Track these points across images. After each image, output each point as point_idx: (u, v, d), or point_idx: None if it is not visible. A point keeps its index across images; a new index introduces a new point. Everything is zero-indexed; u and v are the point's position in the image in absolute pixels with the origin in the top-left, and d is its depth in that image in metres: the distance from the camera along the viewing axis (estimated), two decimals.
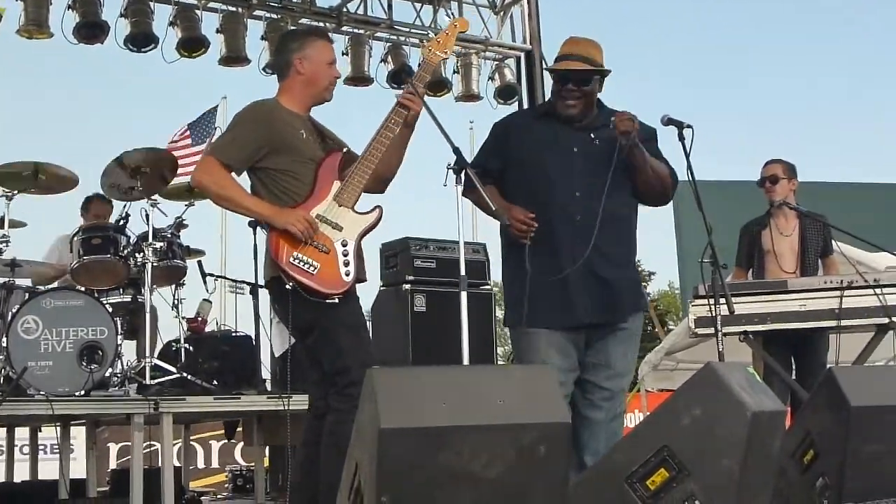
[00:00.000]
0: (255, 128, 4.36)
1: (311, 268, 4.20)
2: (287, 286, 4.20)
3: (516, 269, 4.29)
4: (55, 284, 6.72)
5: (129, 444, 5.71)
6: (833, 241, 6.64)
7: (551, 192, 4.33)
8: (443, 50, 4.62)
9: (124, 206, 6.52)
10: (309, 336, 4.36)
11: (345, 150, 4.52)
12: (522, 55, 10.01)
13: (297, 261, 4.19)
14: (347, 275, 4.25)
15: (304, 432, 4.48)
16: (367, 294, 7.59)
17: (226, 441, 12.99)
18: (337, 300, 4.21)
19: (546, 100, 4.72)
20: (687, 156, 4.48)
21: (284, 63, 4.52)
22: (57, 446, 6.24)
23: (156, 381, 5.96)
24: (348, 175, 4.36)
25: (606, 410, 4.35)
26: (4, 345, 5.61)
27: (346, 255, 4.27)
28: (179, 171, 6.82)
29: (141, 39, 8.28)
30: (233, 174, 4.35)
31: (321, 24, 9.14)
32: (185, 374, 6.08)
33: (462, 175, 4.13)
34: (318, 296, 4.18)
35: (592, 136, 4.42)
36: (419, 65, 4.56)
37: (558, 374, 4.19)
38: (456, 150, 4.12)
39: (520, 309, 4.25)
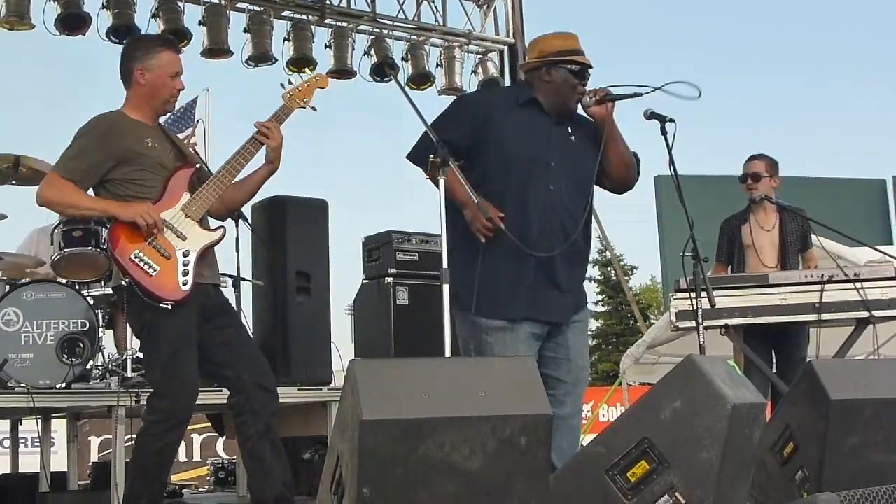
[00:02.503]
0: (96, 142, 4.34)
1: (151, 269, 4.21)
2: (123, 282, 4.23)
3: (492, 260, 4.28)
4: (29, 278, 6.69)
5: (111, 437, 5.69)
6: (813, 235, 6.67)
7: (524, 183, 4.33)
8: (302, 99, 4.61)
9: None
10: (139, 336, 4.47)
11: (198, 165, 4.55)
12: (505, 48, 10.03)
13: (137, 259, 4.21)
14: (185, 284, 4.25)
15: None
16: (350, 287, 7.60)
17: (208, 434, 12.99)
18: (170, 306, 4.21)
19: (514, 85, 4.71)
20: (669, 150, 4.49)
21: (127, 72, 4.49)
22: (38, 439, 6.22)
23: (137, 373, 5.94)
24: (199, 190, 4.40)
25: (570, 405, 4.38)
26: None
27: (185, 266, 4.28)
28: None
29: (123, 31, 8.24)
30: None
31: (304, 18, 9.13)
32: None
33: (443, 168, 4.11)
34: (153, 298, 4.19)
35: (570, 130, 4.46)
36: (279, 108, 4.58)
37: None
38: (439, 143, 4.11)
39: (503, 301, 4.27)
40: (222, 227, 4.53)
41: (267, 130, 4.47)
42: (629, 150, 4.52)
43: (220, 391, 6.05)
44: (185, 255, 4.29)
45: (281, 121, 4.55)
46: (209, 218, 4.53)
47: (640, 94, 4.37)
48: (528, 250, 4.22)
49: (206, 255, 4.43)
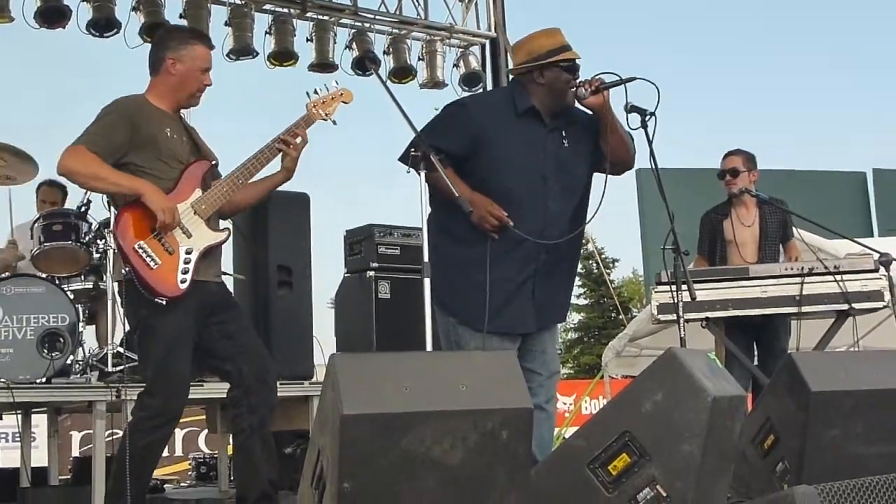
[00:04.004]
0: (121, 122, 4.29)
1: (153, 262, 4.19)
2: (123, 270, 4.21)
3: (480, 269, 4.30)
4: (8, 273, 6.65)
5: (92, 431, 5.67)
6: (794, 228, 6.70)
7: (523, 201, 4.35)
8: (325, 111, 4.57)
9: (85, 192, 6.46)
10: (135, 332, 4.43)
11: (213, 162, 4.49)
12: (487, 42, 10.01)
13: (140, 249, 4.18)
14: (183, 282, 4.23)
15: None
16: (332, 281, 7.59)
17: (190, 429, 12.95)
18: (164, 302, 4.18)
19: (511, 87, 4.68)
20: (650, 143, 4.49)
21: (158, 59, 4.45)
22: (18, 434, 6.19)
23: (118, 368, 5.91)
24: (212, 189, 4.38)
25: (544, 394, 4.45)
26: None
27: (187, 263, 4.25)
28: None
29: (103, 24, 8.19)
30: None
31: (286, 11, 9.10)
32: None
33: (424, 162, 4.11)
34: (149, 292, 4.17)
35: (564, 133, 4.48)
36: (301, 118, 4.55)
37: None
38: (421, 140, 4.11)
39: (488, 314, 4.27)
40: (227, 228, 4.50)
41: (295, 139, 4.46)
42: (627, 135, 4.55)
43: (202, 385, 6.07)
44: (188, 252, 4.26)
45: (302, 129, 4.53)
46: (218, 217, 4.50)
47: (634, 79, 4.38)
48: (537, 240, 4.30)
49: (210, 253, 4.39)
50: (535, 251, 4.35)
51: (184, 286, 4.21)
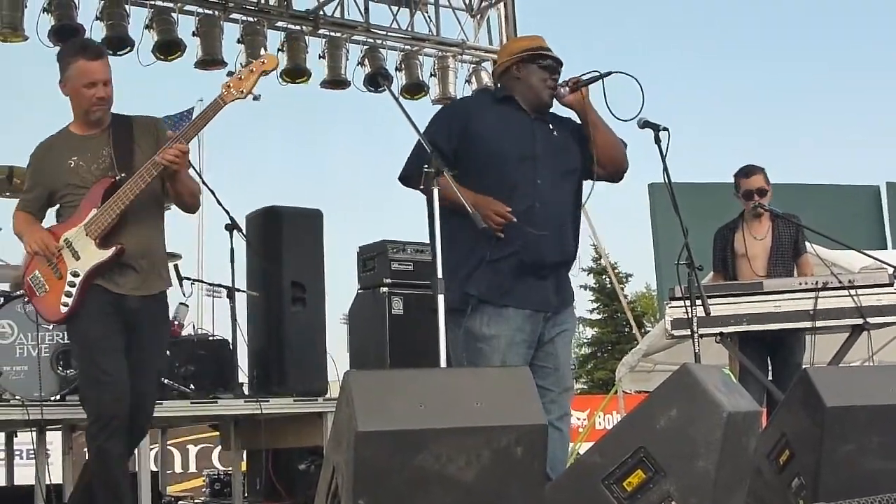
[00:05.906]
0: (32, 174, 4.52)
1: (41, 290, 4.35)
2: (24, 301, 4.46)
3: (474, 250, 4.30)
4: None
5: None
6: (807, 243, 6.67)
7: (511, 177, 4.34)
8: (240, 89, 4.38)
9: None
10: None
11: (117, 177, 4.36)
12: None
13: (33, 280, 4.36)
14: (65, 306, 4.29)
15: None
16: (345, 297, 7.60)
17: (203, 445, 12.96)
18: (50, 327, 4.41)
19: (489, 87, 4.77)
20: (663, 158, 4.49)
21: (59, 85, 4.46)
22: (33, 451, 6.20)
23: None
24: (101, 208, 4.33)
25: (557, 411, 4.39)
26: None
27: (71, 286, 4.29)
28: None
29: (116, 42, 8.24)
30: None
31: (298, 28, 9.14)
32: (161, 379, 6.05)
33: (438, 180, 4.10)
34: (41, 317, 4.40)
35: (551, 126, 4.50)
36: (209, 106, 4.41)
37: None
38: (432, 153, 4.11)
39: (490, 286, 4.28)
40: (118, 245, 4.32)
41: (173, 158, 4.27)
42: (614, 134, 4.55)
43: (215, 402, 6.08)
44: (74, 275, 4.30)
45: (208, 119, 4.39)
46: (126, 231, 4.36)
47: (611, 73, 4.40)
48: (532, 230, 4.26)
49: (124, 268, 4.36)
50: (529, 230, 4.31)
51: (65, 310, 4.29)
